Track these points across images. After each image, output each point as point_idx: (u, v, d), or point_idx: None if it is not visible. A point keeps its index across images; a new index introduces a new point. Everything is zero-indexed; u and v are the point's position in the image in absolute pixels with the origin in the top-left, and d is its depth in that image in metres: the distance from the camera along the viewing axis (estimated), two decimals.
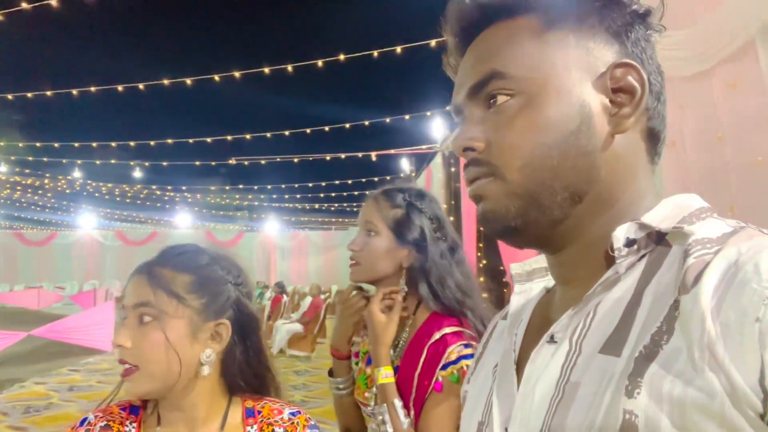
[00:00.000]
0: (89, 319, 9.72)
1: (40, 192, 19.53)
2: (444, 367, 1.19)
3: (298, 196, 18.88)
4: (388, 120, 9.14)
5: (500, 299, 5.40)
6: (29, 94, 6.90)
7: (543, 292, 0.67)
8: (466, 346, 1.21)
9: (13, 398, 6.47)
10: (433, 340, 1.23)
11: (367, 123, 9.07)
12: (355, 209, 21.61)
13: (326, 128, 8.92)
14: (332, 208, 20.34)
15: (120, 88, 6.95)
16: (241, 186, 20.10)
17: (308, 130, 9.11)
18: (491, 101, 0.57)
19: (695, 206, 0.53)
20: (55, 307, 18.49)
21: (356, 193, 17.67)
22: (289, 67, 6.26)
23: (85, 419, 0.98)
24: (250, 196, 20.62)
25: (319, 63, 6.02)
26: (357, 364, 1.50)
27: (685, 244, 0.48)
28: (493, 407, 0.58)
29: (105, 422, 0.97)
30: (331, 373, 1.48)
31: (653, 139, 0.58)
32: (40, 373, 7.89)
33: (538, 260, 0.69)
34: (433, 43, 5.78)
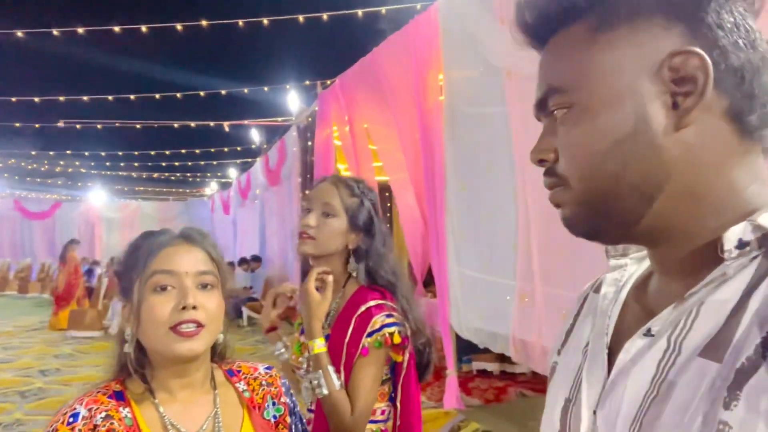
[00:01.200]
0: None
1: None
2: (369, 335, 1.41)
3: (136, 164, 17.35)
4: (246, 90, 8.90)
5: None
6: None
7: (640, 271, 0.66)
8: (388, 316, 1.44)
9: None
10: (359, 312, 1.44)
11: (223, 92, 8.74)
12: (198, 179, 20.55)
13: (178, 95, 8.41)
14: (173, 178, 19.08)
15: None
16: (69, 152, 17.82)
17: (158, 96, 8.49)
18: (554, 113, 0.58)
19: None
20: None
21: (202, 163, 16.83)
22: (144, 28, 5.82)
23: (76, 414, 0.94)
24: (77, 162, 18.41)
25: (179, 27, 5.69)
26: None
27: None
28: (582, 388, 0.59)
29: (104, 413, 0.95)
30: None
31: (743, 123, 0.52)
32: None
33: None
34: (301, 18, 5.81)
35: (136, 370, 1.02)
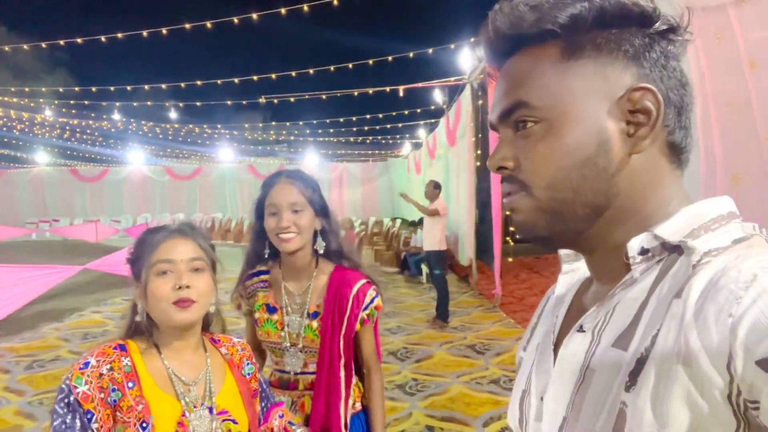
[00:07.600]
0: None
1: (88, 131, 20.24)
2: (366, 308, 1.76)
3: (332, 130, 18.96)
4: (411, 54, 8.96)
5: None
6: (61, 42, 7.17)
7: (585, 277, 0.73)
8: (374, 289, 1.79)
9: (73, 326, 7.15)
10: (354, 291, 1.75)
11: (390, 59, 8.92)
12: (390, 141, 21.56)
13: (350, 65, 8.84)
14: (368, 141, 20.35)
15: (144, 33, 7.10)
16: (274, 123, 20.30)
17: (332, 68, 9.07)
18: (519, 125, 0.62)
19: (711, 215, 0.56)
20: (112, 239, 19.68)
21: (389, 126, 17.61)
22: (305, 7, 6.21)
23: (87, 363, 1.18)
24: (284, 132, 20.87)
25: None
26: (249, 313, 1.88)
27: (693, 254, 0.53)
28: (532, 380, 0.69)
29: (109, 365, 1.19)
30: None
31: (675, 151, 0.61)
32: (97, 303, 8.63)
33: None
34: None
35: (147, 331, 1.30)
